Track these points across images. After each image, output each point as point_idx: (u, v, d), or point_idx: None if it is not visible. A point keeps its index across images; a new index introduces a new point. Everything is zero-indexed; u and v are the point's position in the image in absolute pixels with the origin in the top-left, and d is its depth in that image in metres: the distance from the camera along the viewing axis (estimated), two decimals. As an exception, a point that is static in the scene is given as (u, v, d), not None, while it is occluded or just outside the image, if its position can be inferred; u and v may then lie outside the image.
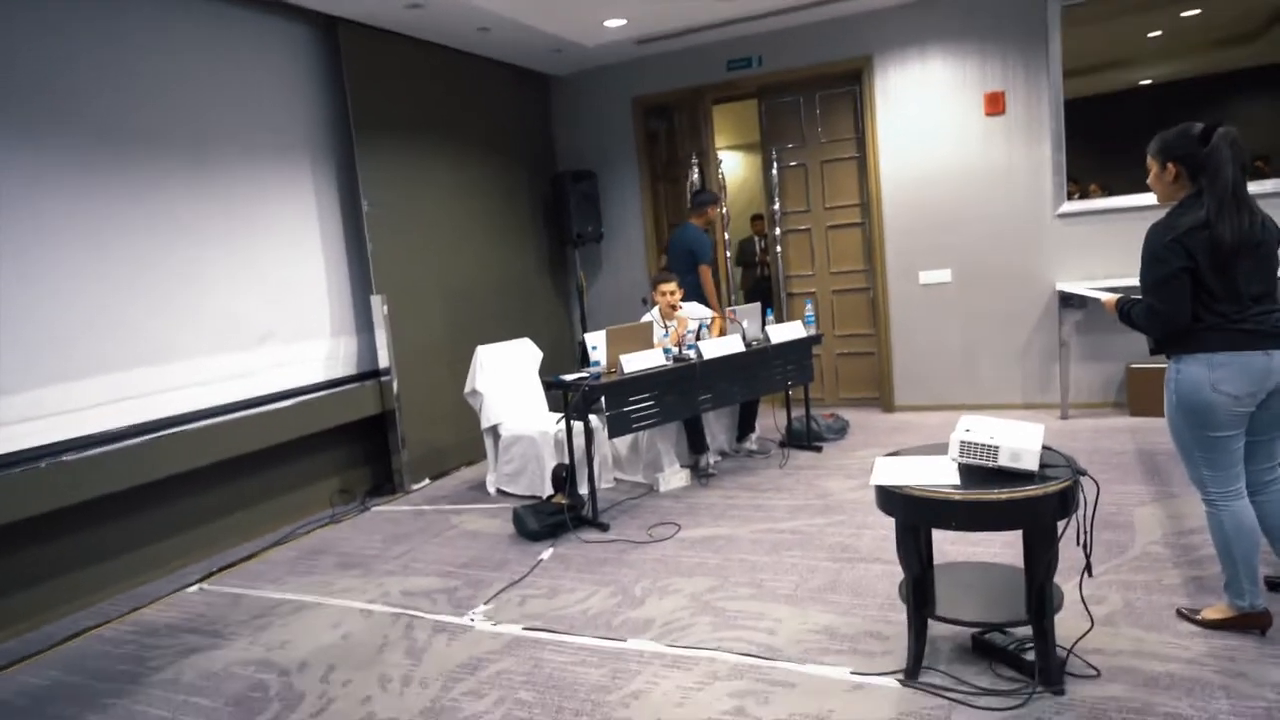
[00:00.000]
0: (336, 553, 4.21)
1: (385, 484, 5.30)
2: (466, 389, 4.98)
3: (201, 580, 3.98)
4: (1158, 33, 5.39)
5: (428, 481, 5.41)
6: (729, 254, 6.94)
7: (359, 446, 5.26)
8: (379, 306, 5.13)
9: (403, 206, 5.42)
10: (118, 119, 3.95)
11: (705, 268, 5.69)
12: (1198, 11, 5.23)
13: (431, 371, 5.55)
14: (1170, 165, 2.49)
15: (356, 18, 5.01)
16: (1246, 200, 2.40)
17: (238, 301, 4.51)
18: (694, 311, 5.25)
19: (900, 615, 2.78)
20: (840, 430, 5.54)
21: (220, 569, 4.10)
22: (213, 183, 4.40)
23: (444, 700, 2.68)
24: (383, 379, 5.21)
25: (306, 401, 4.78)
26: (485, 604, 3.40)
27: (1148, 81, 5.48)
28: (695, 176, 6.57)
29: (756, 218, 8.82)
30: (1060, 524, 2.33)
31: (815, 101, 6.31)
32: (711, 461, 5.02)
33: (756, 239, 8.59)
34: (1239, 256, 2.38)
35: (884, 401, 6.27)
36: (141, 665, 3.13)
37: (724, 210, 6.66)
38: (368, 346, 5.27)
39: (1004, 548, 3.37)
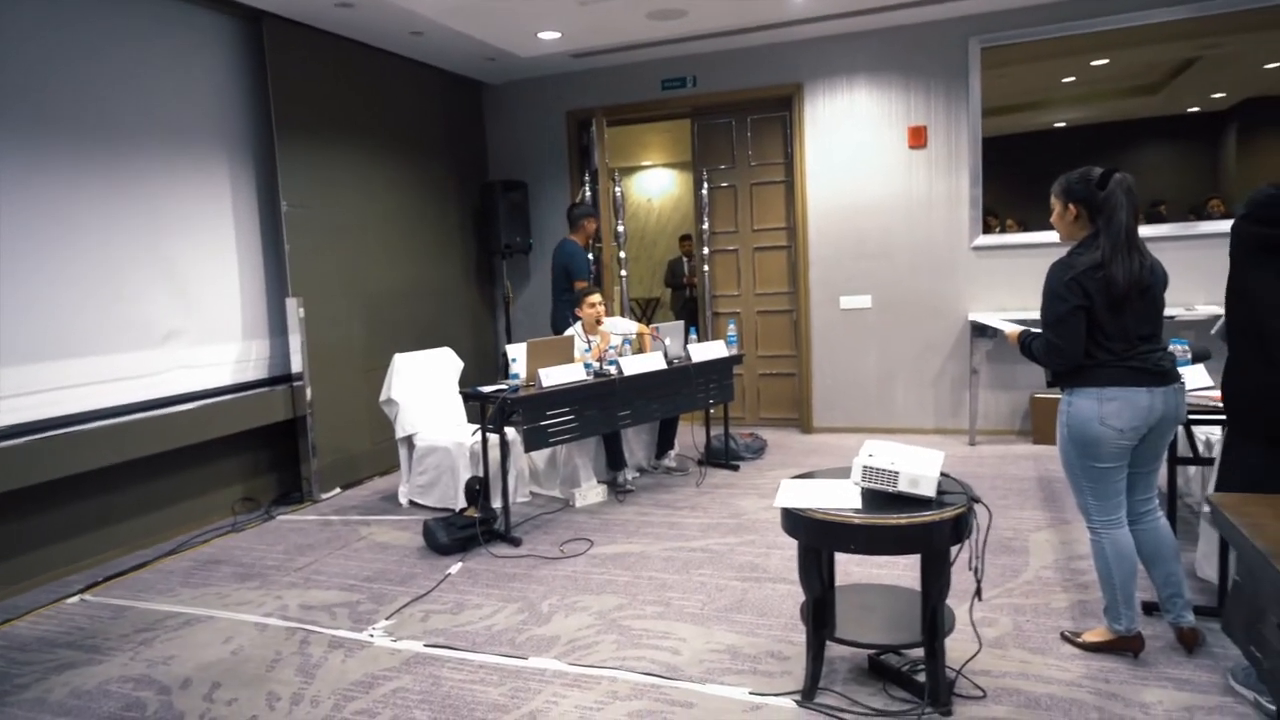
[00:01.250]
0: (235, 563, 4.05)
1: (293, 492, 5.13)
2: (382, 397, 4.87)
3: (84, 590, 3.77)
4: (1071, 78, 5.65)
5: (338, 491, 5.26)
6: (624, 274, 6.93)
7: (266, 453, 5.09)
8: (294, 309, 4.99)
9: (324, 208, 5.29)
10: (22, 102, 3.76)
11: (582, 283, 5.69)
12: (1106, 61, 5.51)
13: (347, 378, 5.41)
14: (1071, 206, 2.60)
15: (283, 13, 4.89)
16: (1138, 244, 2.52)
17: (143, 298, 4.32)
18: (619, 326, 5.25)
19: (802, 635, 2.81)
20: (758, 450, 5.60)
21: (106, 579, 3.90)
22: (122, 172, 4.22)
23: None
24: (295, 384, 5.05)
25: (212, 405, 4.60)
26: (387, 619, 3.31)
27: (1063, 124, 5.74)
28: (587, 194, 6.58)
29: (685, 238, 8.83)
30: (956, 548, 2.39)
31: (747, 124, 6.42)
32: (630, 478, 5.01)
33: (685, 259, 8.62)
34: (1130, 298, 2.49)
35: (803, 422, 6.37)
36: (6, 683, 2.93)
37: (622, 228, 6.71)
38: (281, 350, 5.11)
39: (906, 570, 3.44)
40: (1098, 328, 2.52)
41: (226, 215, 4.84)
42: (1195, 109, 5.46)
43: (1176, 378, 2.57)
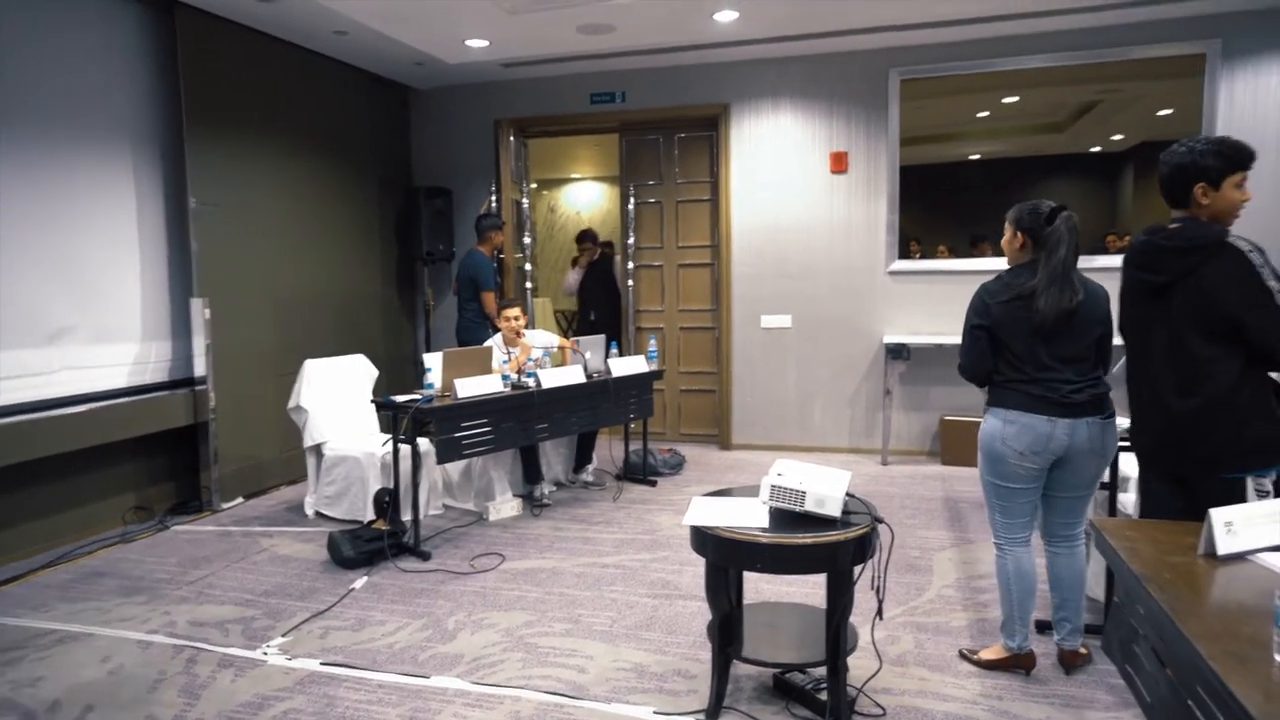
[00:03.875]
0: (121, 576, 3.83)
1: (192, 501, 4.90)
2: (290, 404, 4.70)
3: (-50, 605, 3.51)
4: (985, 113, 5.88)
5: (241, 500, 5.05)
6: (530, 286, 6.83)
7: (164, 460, 4.84)
8: (199, 310, 4.78)
9: (236, 206, 5.10)
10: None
11: (488, 294, 5.66)
12: (1016, 99, 5.75)
13: (255, 383, 5.21)
14: (1019, 234, 2.71)
15: (198, 4, 4.70)
16: (1072, 279, 2.59)
17: (31, 292, 4.07)
18: (539, 339, 5.20)
19: (710, 653, 2.80)
20: (676, 466, 5.62)
21: (-24, 592, 3.64)
22: (13, 159, 3.97)
23: (217, 744, 2.46)
24: (197, 388, 4.84)
25: (103, 408, 4.35)
26: (283, 636, 3.17)
27: (976, 156, 5.96)
28: (493, 204, 6.54)
29: (586, 235, 7.71)
30: (860, 568, 2.42)
31: (674, 142, 6.47)
32: (546, 491, 4.95)
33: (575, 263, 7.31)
34: (1052, 327, 2.57)
35: (722, 439, 6.42)
36: None
37: (528, 240, 6.69)
38: (183, 353, 4.89)
39: (816, 587, 3.47)
40: (1009, 350, 2.63)
41: (129, 209, 4.62)
42: (1097, 149, 5.74)
43: (1094, 411, 2.59)
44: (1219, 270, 2.22)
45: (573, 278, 7.19)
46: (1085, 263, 5.48)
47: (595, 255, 7.10)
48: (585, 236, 7.21)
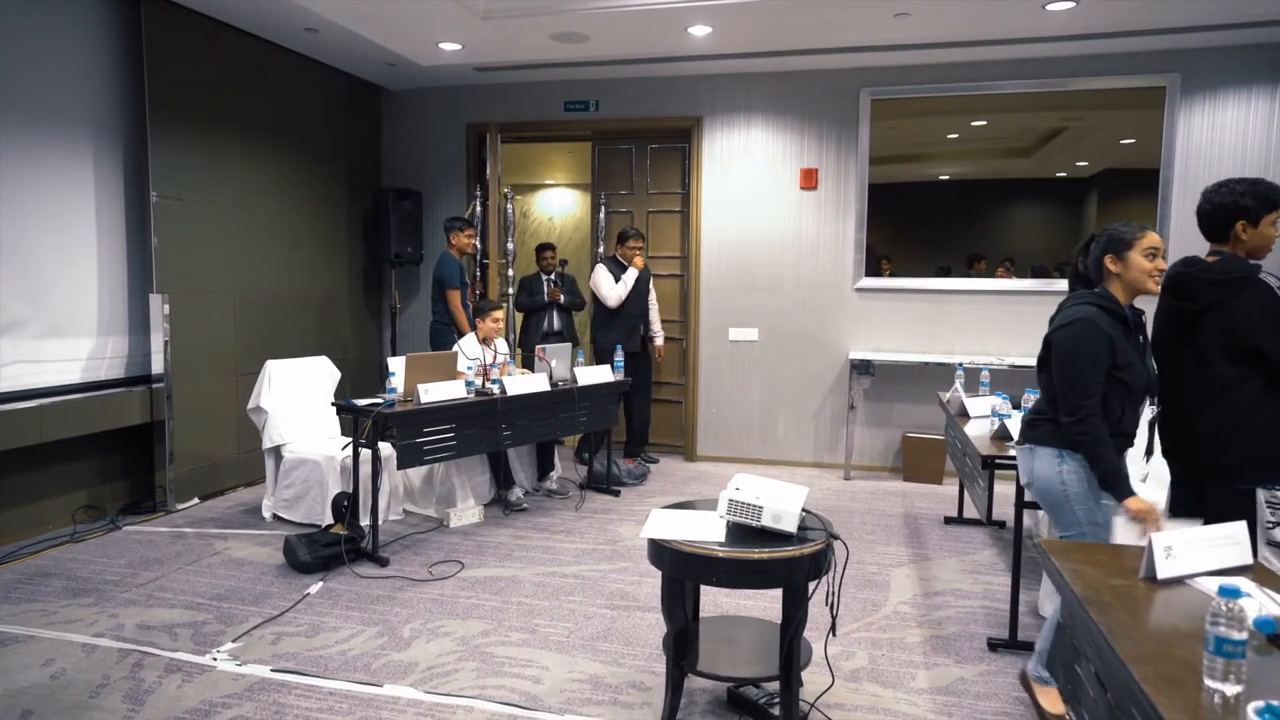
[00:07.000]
0: (69, 576, 3.74)
1: (145, 501, 4.81)
2: (250, 404, 4.63)
3: (-114, 604, 3.41)
4: (955, 135, 5.98)
5: (196, 501, 4.96)
6: (510, 291, 6.50)
7: (118, 458, 4.75)
8: (158, 306, 4.69)
9: (199, 201, 5.02)
10: None
11: (453, 293, 5.64)
12: (985, 123, 5.85)
13: (215, 382, 5.12)
14: None
15: (166, -6, 4.64)
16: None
17: (-18, 284, 3.98)
18: (501, 346, 5.18)
19: (665, 666, 2.80)
20: (640, 476, 5.62)
21: (-86, 591, 3.54)
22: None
23: (160, 752, 2.41)
24: (154, 385, 4.75)
25: (56, 404, 4.26)
26: (233, 641, 3.12)
27: (946, 177, 6.05)
28: (478, 209, 6.52)
29: (545, 247, 6.62)
30: (815, 584, 2.44)
31: (647, 153, 6.49)
32: (520, 495, 4.94)
33: (543, 275, 6.31)
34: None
35: (687, 450, 6.43)
36: None
37: (511, 245, 6.60)
38: (141, 349, 4.80)
39: (775, 600, 3.49)
40: None
41: (88, 201, 4.53)
42: (1062, 174, 5.86)
43: (1021, 438, 2.71)
44: (1249, 302, 2.44)
45: (628, 279, 5.76)
46: (1047, 285, 5.65)
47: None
48: (636, 234, 5.82)
